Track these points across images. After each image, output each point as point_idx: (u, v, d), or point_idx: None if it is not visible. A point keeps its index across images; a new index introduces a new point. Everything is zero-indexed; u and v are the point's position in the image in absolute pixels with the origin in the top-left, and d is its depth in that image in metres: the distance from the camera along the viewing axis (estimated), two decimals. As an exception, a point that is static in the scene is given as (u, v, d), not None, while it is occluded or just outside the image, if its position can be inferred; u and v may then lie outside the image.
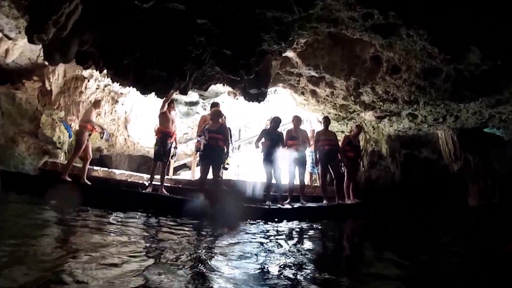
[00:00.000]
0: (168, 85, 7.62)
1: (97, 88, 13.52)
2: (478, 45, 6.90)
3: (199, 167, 10.35)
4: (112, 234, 4.74)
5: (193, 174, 12.21)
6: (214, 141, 8.41)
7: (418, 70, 8.33)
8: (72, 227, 4.97)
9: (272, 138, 9.03)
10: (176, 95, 12.94)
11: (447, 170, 11.63)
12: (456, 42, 6.94)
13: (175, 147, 9.54)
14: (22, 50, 10.77)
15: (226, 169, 9.07)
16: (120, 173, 10.78)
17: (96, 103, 10.23)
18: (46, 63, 11.71)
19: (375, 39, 7.54)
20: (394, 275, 3.73)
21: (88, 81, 13.09)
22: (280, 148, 9.08)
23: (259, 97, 9.00)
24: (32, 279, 2.68)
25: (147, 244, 4.42)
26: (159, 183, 9.09)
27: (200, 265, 3.59)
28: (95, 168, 10.84)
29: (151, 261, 3.58)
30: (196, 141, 10.20)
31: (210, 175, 8.51)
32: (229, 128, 9.12)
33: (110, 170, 11.07)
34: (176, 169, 15.34)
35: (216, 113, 8.82)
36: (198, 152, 9.90)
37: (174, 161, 13.42)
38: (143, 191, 8.83)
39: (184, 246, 4.48)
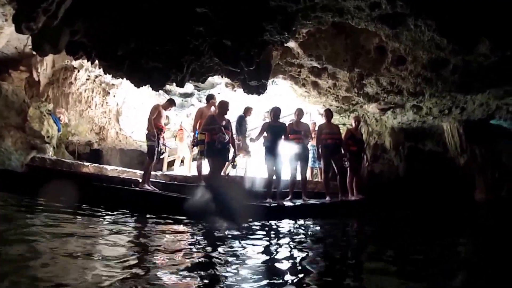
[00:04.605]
0: (164, 77, 7.37)
1: (87, 79, 13.12)
2: (488, 36, 6.73)
3: (195, 162, 10.00)
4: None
5: (189, 169, 11.82)
6: (224, 137, 7.95)
7: (425, 61, 8.11)
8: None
9: (273, 131, 8.59)
10: (170, 86, 12.54)
11: (453, 163, 11.44)
12: (466, 33, 6.76)
13: (164, 144, 9.11)
14: (8, 38, 10.32)
15: (235, 167, 8.63)
16: (112, 169, 10.35)
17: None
18: (35, 52, 11.38)
19: (382, 29, 7.29)
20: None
21: (78, 71, 12.68)
22: (282, 141, 8.66)
23: (259, 89, 8.71)
24: None
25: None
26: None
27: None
28: (85, 163, 10.39)
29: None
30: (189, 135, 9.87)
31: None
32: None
33: (101, 166, 10.64)
34: (170, 164, 14.86)
35: (226, 106, 8.31)
36: (194, 147, 9.54)
37: (168, 156, 13.12)
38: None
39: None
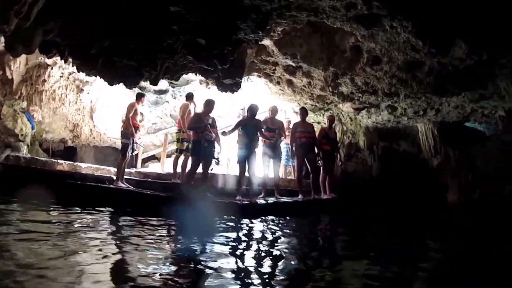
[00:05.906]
0: (137, 75, 7.35)
1: (61, 76, 12.83)
2: (464, 39, 6.73)
3: (171, 159, 10.01)
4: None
5: (163, 166, 11.79)
6: (210, 136, 7.93)
7: (400, 63, 8.14)
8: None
9: (248, 129, 8.47)
10: (144, 83, 12.46)
11: (426, 164, 11.53)
12: (442, 36, 6.77)
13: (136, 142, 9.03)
14: (-21, 36, 10.09)
15: (218, 164, 8.52)
16: (87, 166, 10.22)
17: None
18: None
19: (357, 29, 7.30)
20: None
21: (52, 68, 12.40)
22: (257, 139, 8.62)
23: (233, 87, 8.74)
24: None
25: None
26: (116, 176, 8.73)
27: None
28: (59, 161, 10.23)
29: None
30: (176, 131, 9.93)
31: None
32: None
33: (75, 163, 10.51)
34: (144, 161, 14.71)
35: (212, 105, 8.33)
36: (185, 144, 9.48)
37: (143, 152, 13.02)
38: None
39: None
